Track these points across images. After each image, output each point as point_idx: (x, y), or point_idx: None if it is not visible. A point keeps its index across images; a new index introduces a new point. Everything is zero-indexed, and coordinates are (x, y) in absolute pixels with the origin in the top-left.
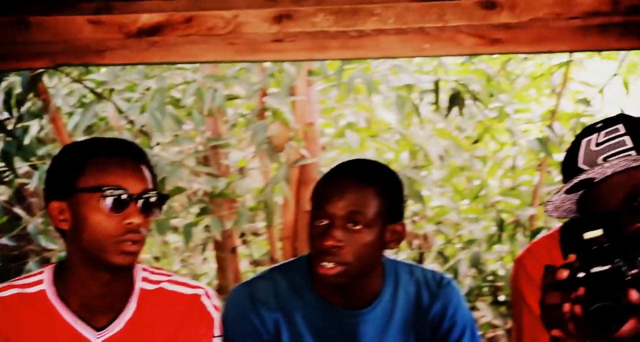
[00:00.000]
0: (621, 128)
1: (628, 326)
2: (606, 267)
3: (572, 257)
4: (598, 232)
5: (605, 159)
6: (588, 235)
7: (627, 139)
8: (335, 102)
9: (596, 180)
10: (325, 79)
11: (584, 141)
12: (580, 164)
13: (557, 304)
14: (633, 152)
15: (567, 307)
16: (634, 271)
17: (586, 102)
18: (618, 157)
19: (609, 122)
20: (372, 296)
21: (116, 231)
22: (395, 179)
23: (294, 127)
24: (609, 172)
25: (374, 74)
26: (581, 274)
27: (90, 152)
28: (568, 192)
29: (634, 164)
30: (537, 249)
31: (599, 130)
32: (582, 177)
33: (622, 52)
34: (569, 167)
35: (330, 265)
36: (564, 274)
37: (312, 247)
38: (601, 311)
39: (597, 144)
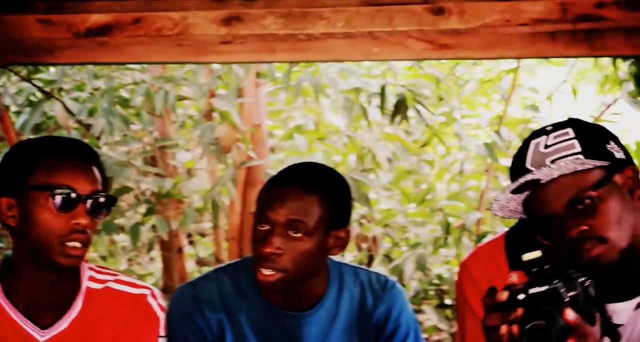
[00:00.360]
0: (571, 132)
1: None
2: (544, 288)
3: (512, 275)
4: (537, 254)
5: (553, 162)
6: (527, 257)
7: (575, 142)
8: (284, 105)
9: (542, 181)
10: (274, 82)
11: (533, 143)
12: (528, 165)
13: (496, 325)
14: (581, 156)
15: (504, 329)
16: (572, 293)
17: (534, 108)
18: (566, 160)
19: (559, 125)
20: (316, 298)
21: (62, 230)
22: (341, 185)
23: (241, 129)
24: (555, 174)
25: (322, 77)
26: (520, 296)
27: (42, 151)
28: (514, 192)
29: (580, 168)
30: (482, 253)
31: (548, 133)
32: (529, 177)
33: (572, 59)
34: (517, 167)
35: (268, 272)
36: (504, 295)
37: (253, 251)
38: (536, 330)
39: (546, 146)
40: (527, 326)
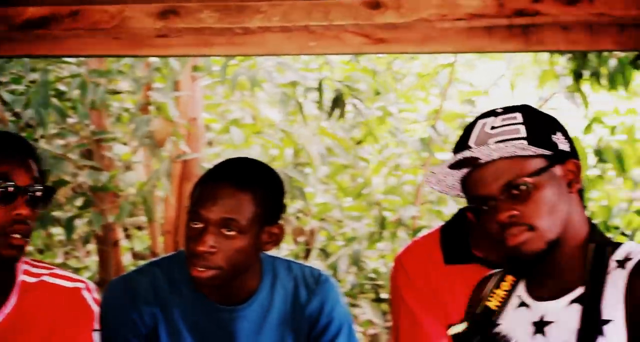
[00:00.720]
0: (519, 117)
1: None
2: None
3: None
4: (462, 327)
5: (496, 143)
6: (453, 331)
7: (522, 128)
8: (222, 98)
9: (482, 161)
10: (211, 75)
11: (481, 122)
12: (471, 143)
13: None
14: (524, 142)
15: None
16: None
17: (471, 102)
18: (508, 144)
19: (510, 109)
20: (250, 292)
21: (3, 222)
22: (273, 181)
23: (177, 122)
24: (495, 155)
25: (259, 71)
26: None
27: None
28: (453, 167)
29: (521, 153)
30: (416, 247)
31: (497, 114)
32: (467, 154)
33: (510, 54)
34: (460, 144)
35: (202, 269)
36: None
37: (186, 249)
38: None
39: (492, 128)
40: None
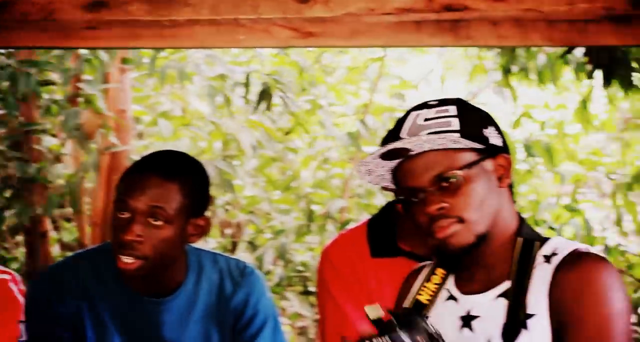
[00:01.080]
0: (452, 110)
1: None
2: (387, 338)
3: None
4: (376, 309)
5: (428, 135)
6: (370, 313)
7: (454, 121)
8: (151, 90)
9: (413, 152)
10: (140, 67)
11: (414, 114)
12: (402, 134)
13: None
14: (456, 135)
15: None
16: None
17: (401, 96)
18: (439, 136)
19: (443, 102)
20: (175, 284)
21: None
22: (200, 173)
23: (106, 114)
24: (426, 147)
25: (188, 64)
26: None
27: None
28: (384, 157)
29: (452, 145)
30: (343, 241)
31: (431, 107)
32: (398, 144)
33: (440, 49)
34: (392, 135)
35: (129, 259)
36: None
37: (113, 238)
38: None
39: (425, 119)
40: None
